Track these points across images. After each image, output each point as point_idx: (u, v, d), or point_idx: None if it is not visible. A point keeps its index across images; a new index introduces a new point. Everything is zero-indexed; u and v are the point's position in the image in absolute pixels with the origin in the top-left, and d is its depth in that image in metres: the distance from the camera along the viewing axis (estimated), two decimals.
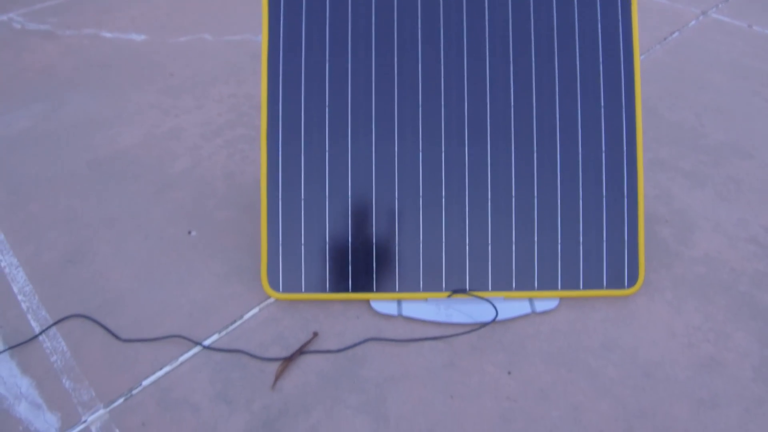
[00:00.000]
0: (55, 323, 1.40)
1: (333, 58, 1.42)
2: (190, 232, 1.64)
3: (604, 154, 1.43)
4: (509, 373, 1.28)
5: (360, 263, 1.41)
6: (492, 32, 1.43)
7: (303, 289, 1.41)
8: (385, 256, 1.41)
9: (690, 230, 1.64)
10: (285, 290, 1.41)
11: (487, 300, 1.38)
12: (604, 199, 1.43)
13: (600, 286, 1.43)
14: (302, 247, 1.41)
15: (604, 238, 1.43)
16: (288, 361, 1.30)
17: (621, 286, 1.43)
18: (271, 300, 1.45)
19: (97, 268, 1.55)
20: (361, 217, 1.41)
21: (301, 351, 1.32)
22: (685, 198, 1.74)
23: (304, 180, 1.41)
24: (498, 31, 1.43)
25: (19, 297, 1.46)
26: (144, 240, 1.63)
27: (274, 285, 1.41)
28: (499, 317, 1.37)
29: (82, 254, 1.59)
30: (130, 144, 1.98)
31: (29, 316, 1.42)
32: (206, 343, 1.35)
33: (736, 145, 1.95)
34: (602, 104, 1.43)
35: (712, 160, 1.89)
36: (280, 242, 1.41)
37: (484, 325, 1.37)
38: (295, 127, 1.41)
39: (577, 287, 1.42)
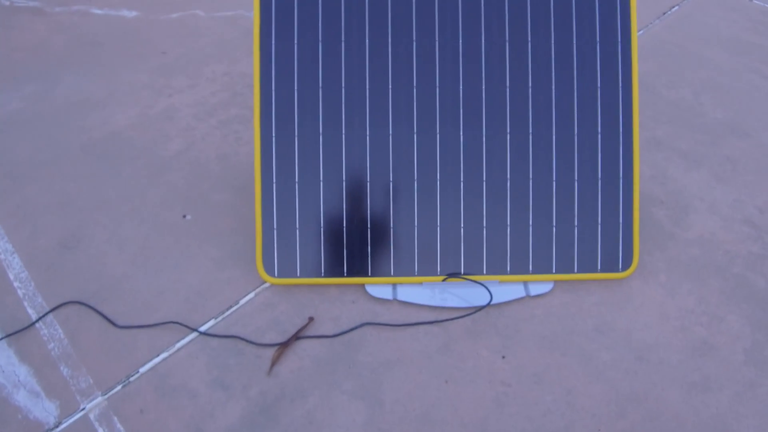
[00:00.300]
0: (52, 310, 1.41)
1: (326, 40, 1.39)
2: (185, 216, 1.64)
3: (600, 136, 1.42)
4: (503, 357, 1.30)
5: (355, 247, 1.41)
6: (488, 11, 1.40)
7: (298, 274, 1.41)
8: (380, 240, 1.41)
9: (685, 211, 1.64)
10: (280, 275, 1.42)
11: (482, 284, 1.39)
12: (599, 182, 1.43)
13: (594, 270, 1.43)
14: (297, 231, 1.41)
15: (599, 222, 1.43)
16: (284, 346, 1.31)
17: (615, 269, 1.44)
18: (267, 285, 1.45)
19: (93, 253, 1.55)
20: (356, 201, 1.41)
21: (297, 336, 1.33)
22: (681, 179, 1.74)
23: (298, 165, 1.40)
24: (494, 11, 1.40)
25: (16, 284, 1.47)
26: (139, 224, 1.62)
27: (269, 270, 1.42)
28: (494, 301, 1.38)
29: (78, 239, 1.59)
30: (124, 125, 1.96)
31: (26, 303, 1.42)
32: (202, 329, 1.36)
33: (734, 123, 1.94)
34: (599, 85, 1.42)
35: (709, 139, 1.88)
36: (275, 227, 1.41)
37: (479, 309, 1.37)
38: (288, 112, 1.40)
39: (571, 270, 1.43)
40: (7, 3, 2.69)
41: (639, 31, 2.39)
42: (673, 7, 2.56)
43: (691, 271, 1.49)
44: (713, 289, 1.45)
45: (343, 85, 1.40)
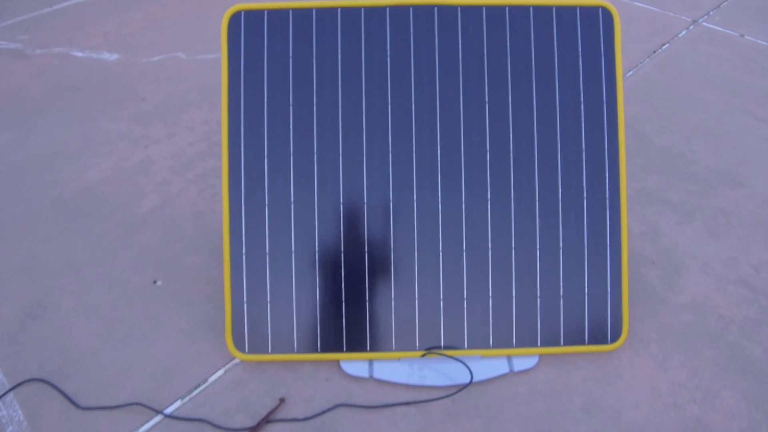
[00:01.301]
0: (12, 389, 1.34)
1: (297, 97, 1.34)
2: (155, 282, 1.57)
3: (585, 200, 1.36)
4: None
5: (329, 321, 1.34)
6: (465, 68, 1.34)
7: (270, 350, 1.34)
8: (356, 314, 1.34)
9: (677, 272, 1.57)
10: (251, 350, 1.35)
11: (463, 362, 1.32)
12: (586, 248, 1.36)
13: (582, 342, 1.36)
14: (268, 305, 1.34)
15: (586, 291, 1.36)
16: (253, 431, 1.24)
17: (604, 341, 1.37)
18: (237, 360, 1.38)
19: (59, 324, 1.48)
20: (330, 272, 1.34)
21: (267, 420, 1.26)
22: (673, 234, 1.67)
23: (269, 234, 1.34)
24: (472, 68, 1.34)
25: None
26: (108, 290, 1.55)
27: (239, 345, 1.35)
28: (476, 378, 1.31)
29: (43, 307, 1.52)
30: (97, 179, 1.90)
31: None
32: (168, 411, 1.29)
33: (727, 172, 1.87)
34: (583, 145, 1.36)
35: (701, 190, 1.81)
36: (245, 300, 1.34)
37: (460, 389, 1.30)
38: (258, 179, 1.33)
39: (557, 343, 1.36)
40: None
41: (629, 71, 2.34)
42: (664, 44, 2.51)
43: (684, 339, 1.42)
44: (707, 361, 1.38)
45: (315, 146, 1.34)
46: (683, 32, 2.57)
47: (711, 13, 2.72)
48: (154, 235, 1.70)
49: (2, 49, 2.63)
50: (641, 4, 2.82)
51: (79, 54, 2.56)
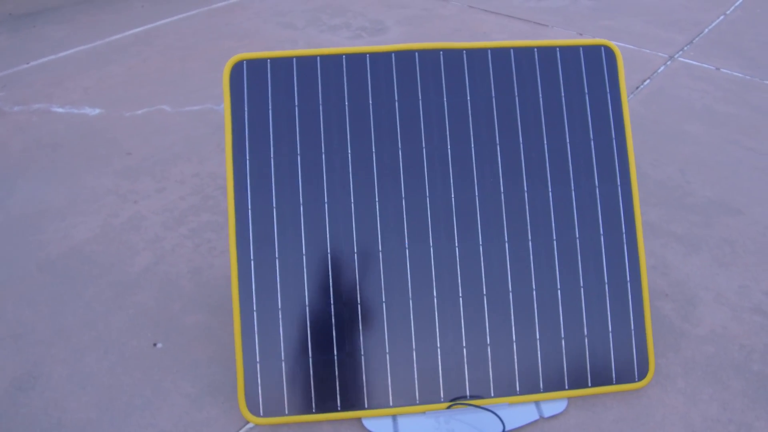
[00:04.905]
0: None
1: (305, 147, 1.30)
2: (155, 344, 1.48)
3: (602, 237, 1.34)
4: None
5: (348, 377, 1.27)
6: (474, 109, 1.33)
7: (286, 411, 1.26)
8: (376, 367, 1.28)
9: (692, 303, 1.56)
10: (266, 413, 1.26)
11: (493, 411, 1.26)
12: (606, 285, 1.33)
13: (609, 382, 1.32)
14: (282, 363, 1.27)
15: (610, 329, 1.32)
16: None
17: (631, 379, 1.33)
18: (251, 425, 1.29)
19: (51, 396, 1.37)
20: (346, 326, 1.28)
21: None
22: (682, 266, 1.66)
23: (281, 289, 1.28)
24: (481, 107, 1.33)
25: None
26: (104, 356, 1.46)
27: (253, 408, 1.26)
28: (507, 428, 1.25)
29: (34, 378, 1.41)
30: (85, 238, 1.82)
31: None
32: None
33: (724, 201, 1.89)
34: (596, 183, 1.35)
35: (702, 220, 1.82)
36: (258, 359, 1.27)
37: None
38: (267, 232, 1.28)
39: (585, 385, 1.31)
40: None
41: None
42: (645, 80, 2.57)
43: (709, 372, 1.39)
44: (736, 392, 1.34)
45: (325, 197, 1.29)
46: (662, 68, 2.64)
47: (685, 48, 2.82)
48: (150, 295, 1.62)
49: None
50: (618, 43, 2.90)
51: (59, 110, 2.50)
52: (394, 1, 3.48)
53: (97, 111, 2.48)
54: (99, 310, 1.58)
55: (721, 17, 3.14)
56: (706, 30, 2.98)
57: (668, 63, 2.69)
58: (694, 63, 2.69)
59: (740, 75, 2.59)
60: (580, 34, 2.97)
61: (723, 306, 1.55)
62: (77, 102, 2.55)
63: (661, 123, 2.28)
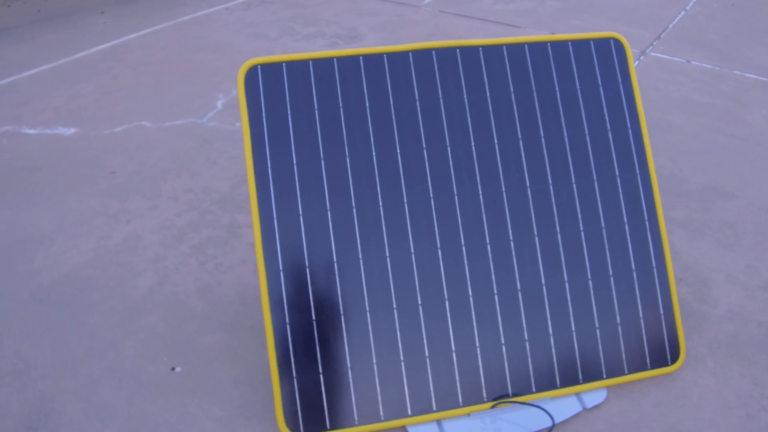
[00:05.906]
0: None
1: (328, 151, 1.27)
2: (173, 369, 1.41)
3: (626, 225, 1.36)
4: None
5: (389, 385, 1.24)
6: (495, 105, 1.33)
7: (328, 426, 1.22)
8: (417, 373, 1.25)
9: (706, 286, 1.59)
10: (306, 429, 1.21)
11: (539, 406, 1.24)
12: (634, 272, 1.35)
13: (645, 368, 1.33)
14: (321, 376, 1.22)
15: (641, 316, 1.34)
16: None
17: (665, 363, 1.34)
18: None
19: None
20: (384, 332, 1.25)
21: None
22: (690, 250, 1.70)
23: (313, 300, 1.23)
24: (500, 103, 1.33)
25: None
26: (119, 386, 1.37)
27: (292, 425, 1.21)
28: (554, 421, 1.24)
29: (45, 416, 1.32)
30: (79, 262, 1.72)
31: None
32: None
33: (717, 186, 1.95)
34: (617, 172, 1.36)
35: (701, 206, 1.87)
36: (294, 374, 1.22)
37: None
38: (296, 239, 1.24)
39: (622, 372, 1.32)
40: None
41: None
42: None
43: (734, 350, 1.42)
44: (763, 367, 1.38)
45: (353, 205, 1.26)
46: (636, 62, 2.73)
47: (654, 43, 2.92)
48: (159, 317, 1.54)
49: None
50: None
51: (30, 131, 2.37)
52: (364, 8, 3.47)
53: (72, 130, 2.37)
54: (106, 338, 1.49)
55: (682, 13, 3.27)
56: (671, 25, 3.09)
57: (641, 58, 2.77)
58: (666, 57, 2.78)
59: (710, 66, 2.69)
60: (553, 33, 3.03)
61: (735, 286, 1.59)
62: (48, 122, 2.42)
63: (645, 114, 2.35)
